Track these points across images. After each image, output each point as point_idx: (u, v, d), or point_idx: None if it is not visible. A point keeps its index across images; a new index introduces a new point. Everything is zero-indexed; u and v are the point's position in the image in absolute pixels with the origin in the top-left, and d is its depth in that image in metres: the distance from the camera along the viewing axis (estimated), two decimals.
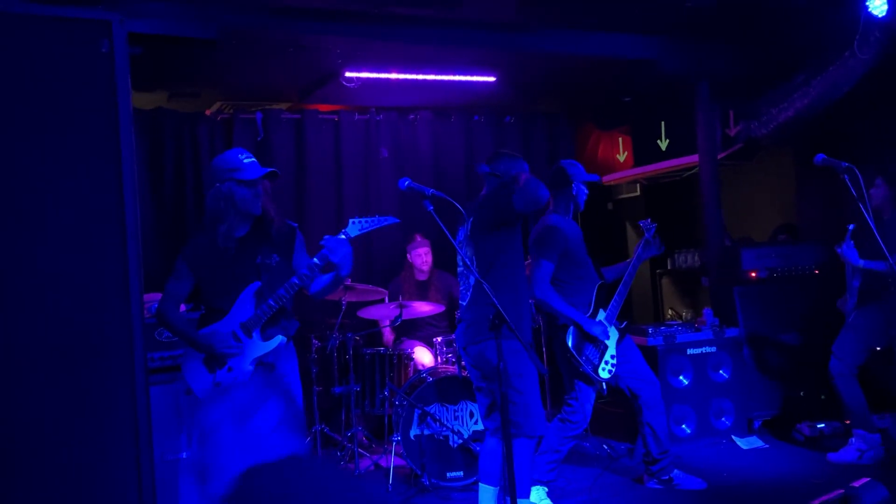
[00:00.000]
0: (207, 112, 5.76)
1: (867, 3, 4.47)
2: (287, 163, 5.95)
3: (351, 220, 3.12)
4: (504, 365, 2.87)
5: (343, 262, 3.02)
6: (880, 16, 4.43)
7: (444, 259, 5.53)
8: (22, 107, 1.79)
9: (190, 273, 3.11)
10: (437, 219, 2.71)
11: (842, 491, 2.70)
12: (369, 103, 6.13)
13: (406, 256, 5.55)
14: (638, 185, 7.12)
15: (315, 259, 3.03)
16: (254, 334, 3.09)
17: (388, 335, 5.54)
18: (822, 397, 5.10)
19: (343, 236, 3.05)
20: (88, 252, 1.83)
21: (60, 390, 1.83)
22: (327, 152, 6.10)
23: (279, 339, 3.13)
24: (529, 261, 4.38)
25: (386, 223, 3.16)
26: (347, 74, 5.15)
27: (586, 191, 4.24)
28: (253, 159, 3.13)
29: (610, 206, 7.61)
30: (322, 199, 6.04)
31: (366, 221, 3.12)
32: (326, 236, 3.05)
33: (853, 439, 4.49)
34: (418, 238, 5.50)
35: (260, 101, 5.91)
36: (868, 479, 2.75)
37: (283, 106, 5.98)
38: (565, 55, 5.25)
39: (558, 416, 4.13)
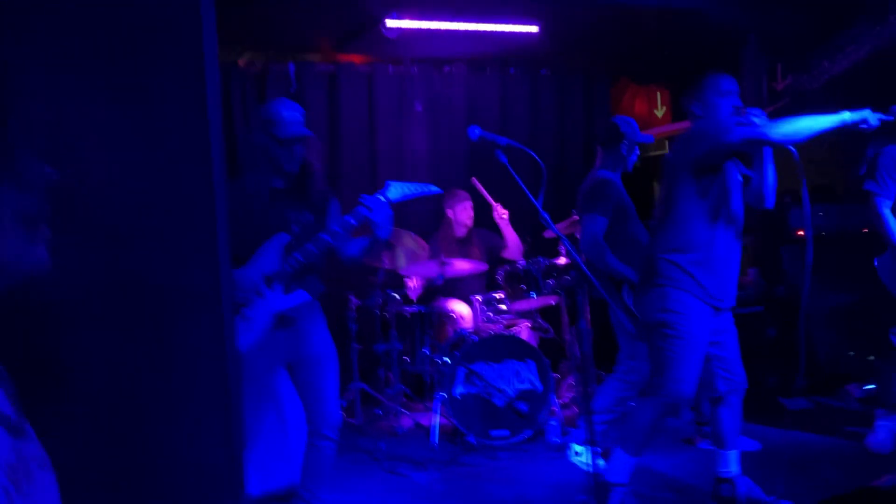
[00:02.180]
0: (240, 63, 5.60)
1: None
2: (320, 116, 5.81)
3: (390, 183, 2.91)
4: None
5: (383, 222, 2.82)
6: None
7: (481, 217, 5.42)
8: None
9: None
10: (513, 171, 2.56)
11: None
12: (403, 54, 5.95)
13: (446, 212, 5.38)
14: (667, 142, 6.94)
15: (349, 217, 2.84)
16: (275, 287, 2.91)
17: (415, 287, 5.38)
18: (871, 358, 5.00)
19: (382, 198, 2.85)
20: (174, 189, 1.71)
21: (145, 341, 1.72)
22: (361, 106, 5.95)
23: (302, 295, 2.97)
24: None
25: (428, 192, 2.95)
26: (388, 23, 4.98)
27: (638, 151, 4.10)
28: (297, 115, 2.95)
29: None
30: (355, 155, 5.91)
31: (407, 187, 2.91)
32: (364, 195, 2.85)
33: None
34: (460, 192, 5.35)
35: (292, 52, 5.73)
36: None
37: (316, 57, 5.81)
38: (612, 4, 5.07)
39: (613, 376, 4.04)
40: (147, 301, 1.73)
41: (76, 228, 1.65)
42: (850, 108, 5.33)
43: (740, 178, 3.20)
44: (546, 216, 2.54)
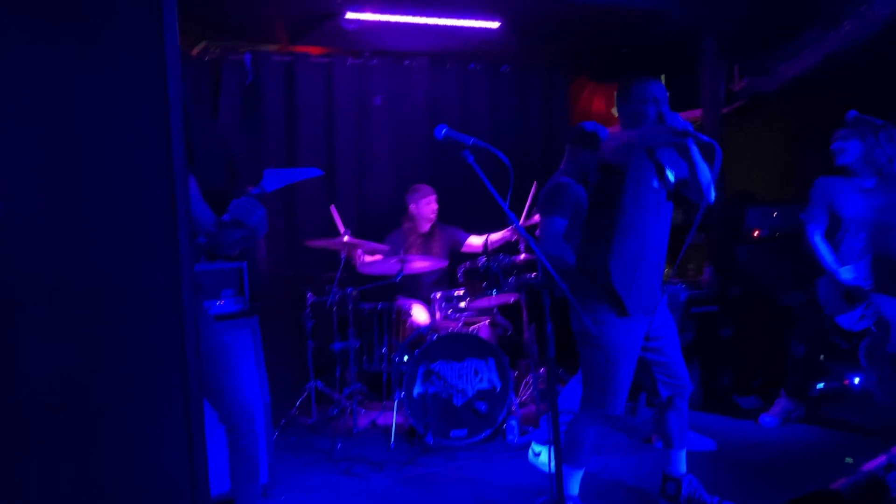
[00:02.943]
0: (193, 52, 5.43)
1: None
2: (277, 108, 5.69)
3: (266, 172, 2.79)
4: None
5: (259, 224, 2.70)
6: None
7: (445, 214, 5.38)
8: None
9: None
10: (479, 171, 2.51)
11: (884, 459, 2.63)
12: (362, 47, 5.85)
13: (409, 207, 5.30)
14: None
15: (224, 217, 2.70)
16: None
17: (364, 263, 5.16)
18: (822, 357, 5.08)
19: (257, 192, 2.73)
20: (131, 186, 1.62)
21: (98, 344, 1.63)
22: (319, 98, 5.82)
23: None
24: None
25: (309, 175, 2.83)
26: (348, 15, 4.87)
27: None
28: None
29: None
30: (313, 148, 5.78)
31: (286, 175, 2.81)
32: (234, 201, 2.67)
33: None
34: (423, 187, 5.28)
35: (248, 41, 5.59)
36: None
37: (273, 48, 5.67)
38: (573, 1, 5.04)
39: (575, 378, 4.03)
40: (102, 301, 1.63)
41: (27, 225, 1.55)
42: (804, 112, 5.42)
43: (656, 184, 3.17)
44: (513, 216, 2.50)
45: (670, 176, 3.18)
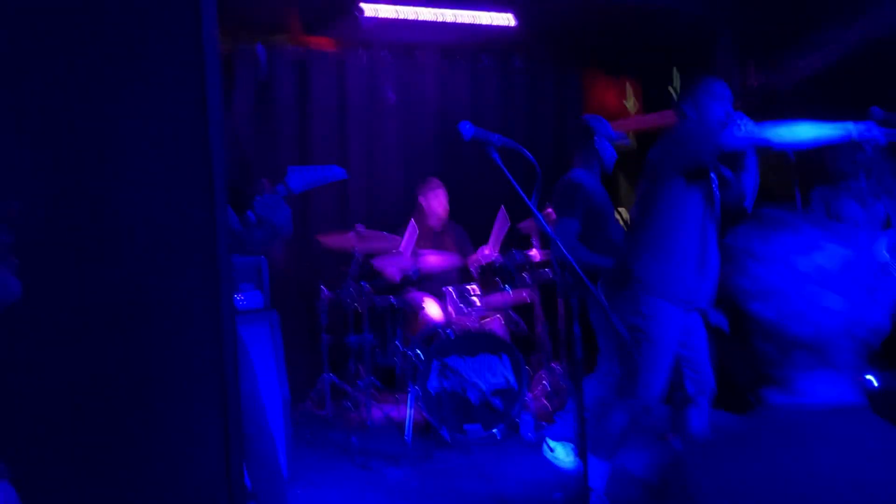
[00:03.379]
0: None
1: None
2: (289, 103, 5.67)
3: (290, 169, 2.74)
4: None
5: (285, 224, 2.68)
6: None
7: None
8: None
9: None
10: (506, 170, 2.49)
11: None
12: (374, 40, 5.83)
13: (419, 200, 5.30)
14: (633, 134, 6.94)
15: (249, 215, 2.67)
16: None
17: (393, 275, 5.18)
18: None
19: (283, 192, 2.69)
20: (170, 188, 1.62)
21: (136, 347, 1.63)
22: (331, 92, 5.81)
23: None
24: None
25: (332, 178, 2.80)
26: (364, 7, 4.86)
27: (611, 148, 4.06)
28: None
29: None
30: (326, 143, 5.78)
31: (311, 174, 2.75)
32: (258, 198, 2.64)
33: None
34: (433, 180, 5.28)
35: (261, 34, 5.57)
36: None
37: (285, 40, 5.65)
38: None
39: (592, 376, 4.03)
40: (143, 312, 1.63)
41: (67, 237, 1.55)
42: (822, 111, 5.36)
43: (717, 179, 3.20)
44: (540, 217, 2.49)
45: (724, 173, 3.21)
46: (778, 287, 1.12)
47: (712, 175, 3.17)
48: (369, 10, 4.91)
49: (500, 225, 5.01)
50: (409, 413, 4.45)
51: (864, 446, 1.08)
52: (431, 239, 5.25)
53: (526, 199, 2.49)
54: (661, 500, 1.13)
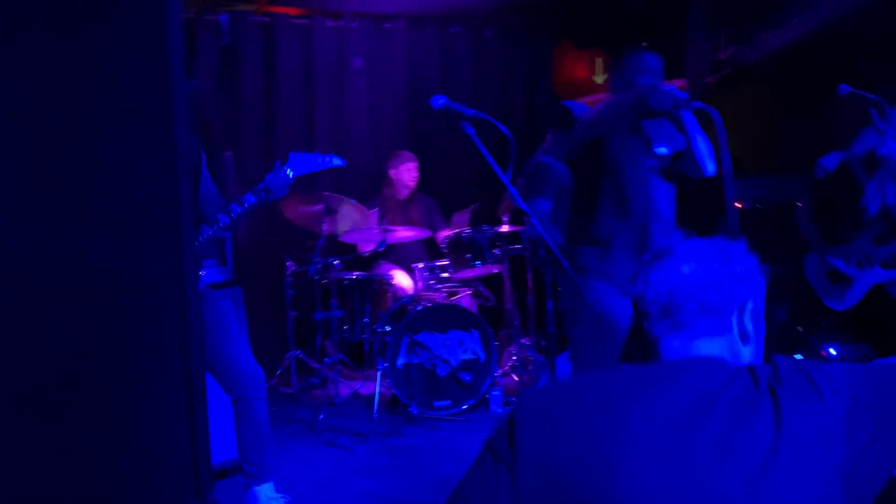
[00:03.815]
0: None
1: None
2: (255, 71, 5.52)
3: (293, 155, 2.92)
4: None
5: (282, 196, 2.91)
6: None
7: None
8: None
9: None
10: (480, 144, 2.43)
11: None
12: (343, 8, 5.69)
13: (389, 173, 5.23)
14: None
15: (251, 195, 2.83)
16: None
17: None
18: (800, 329, 5.13)
19: (289, 173, 2.88)
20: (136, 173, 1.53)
21: (97, 326, 1.55)
22: (297, 61, 5.66)
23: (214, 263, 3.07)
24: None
25: (330, 165, 3.00)
26: None
27: None
28: None
29: None
30: (292, 113, 5.64)
31: (311, 161, 2.95)
32: (268, 175, 2.86)
33: None
34: (404, 153, 5.21)
35: (224, 2, 5.39)
36: None
37: (250, 7, 5.48)
38: None
39: (561, 356, 4.01)
40: (104, 288, 1.55)
41: (23, 213, 1.46)
42: (790, 83, 5.36)
43: (655, 161, 3.10)
44: (515, 192, 2.44)
45: (661, 150, 3.10)
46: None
47: (643, 160, 3.06)
48: None
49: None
50: (377, 389, 4.40)
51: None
52: (400, 211, 5.18)
53: (500, 172, 2.43)
54: (494, 438, 1.22)
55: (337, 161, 3.00)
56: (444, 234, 4.97)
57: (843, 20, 4.80)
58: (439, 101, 2.50)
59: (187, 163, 1.48)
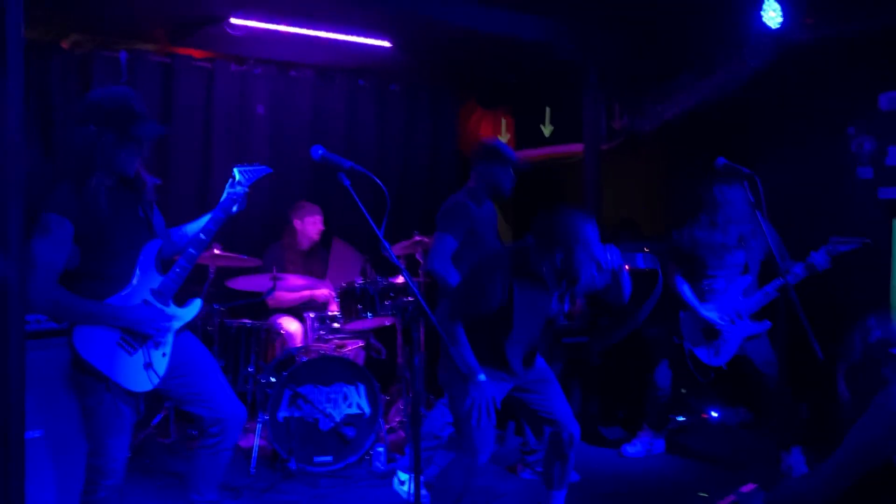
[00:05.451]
0: (64, 44, 5.08)
1: (762, 13, 4.56)
2: (151, 111, 5.37)
3: (237, 169, 3.01)
4: None
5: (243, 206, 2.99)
6: (774, 27, 4.53)
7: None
8: None
9: (69, 231, 2.55)
10: (355, 195, 2.45)
11: (733, 497, 2.73)
12: (248, 54, 5.66)
13: (293, 222, 5.20)
14: None
15: (218, 211, 2.90)
16: (170, 303, 2.79)
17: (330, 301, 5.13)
18: (683, 391, 5.27)
19: (240, 188, 2.96)
20: None
21: None
22: (198, 103, 5.58)
23: (197, 302, 2.91)
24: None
25: (263, 172, 3.09)
26: (233, 21, 4.70)
27: (511, 174, 4.09)
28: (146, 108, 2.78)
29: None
30: (189, 154, 5.54)
31: (251, 171, 3.04)
32: (231, 194, 2.94)
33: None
34: (309, 205, 5.19)
35: (124, 39, 5.29)
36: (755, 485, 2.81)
37: (151, 48, 5.39)
38: (462, 27, 5.05)
39: (440, 400, 3.99)
40: None
41: None
42: (676, 153, 5.57)
43: (554, 304, 3.26)
44: (387, 245, 2.45)
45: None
46: None
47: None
48: (239, 23, 4.74)
49: (338, 256, 5.03)
50: (255, 442, 4.26)
51: None
52: (298, 261, 5.13)
53: (374, 225, 2.44)
54: None
55: (266, 169, 3.12)
56: (321, 292, 5.00)
57: (724, 96, 5.08)
58: (318, 151, 2.55)
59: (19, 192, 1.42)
